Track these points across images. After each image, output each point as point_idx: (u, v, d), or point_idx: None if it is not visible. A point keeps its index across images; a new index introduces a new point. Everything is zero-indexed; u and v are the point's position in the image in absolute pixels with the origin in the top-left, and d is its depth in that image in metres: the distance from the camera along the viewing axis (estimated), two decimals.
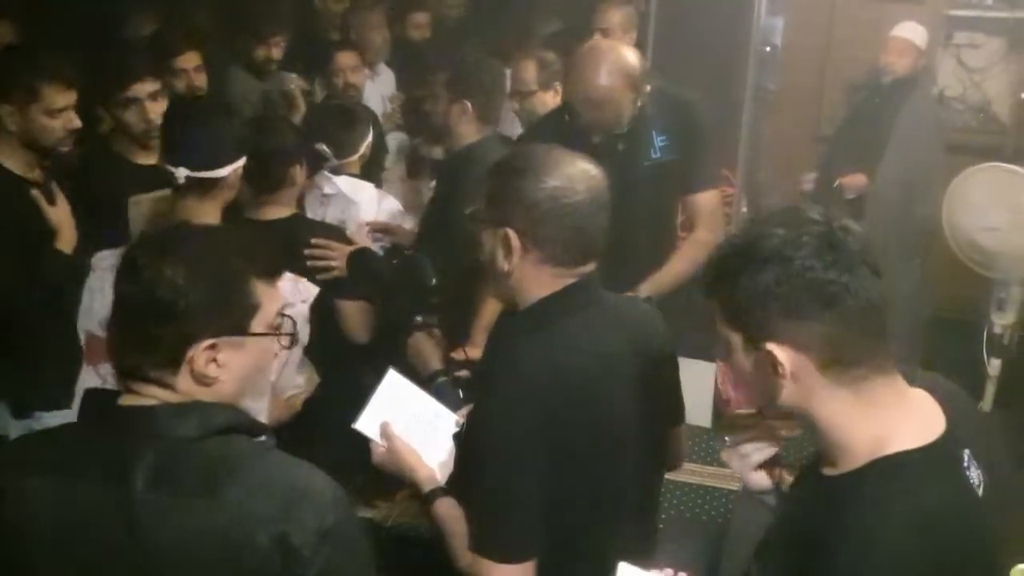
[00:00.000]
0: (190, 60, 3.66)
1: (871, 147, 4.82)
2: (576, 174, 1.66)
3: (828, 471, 1.32)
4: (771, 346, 1.25)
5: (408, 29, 5.03)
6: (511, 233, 1.65)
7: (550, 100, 3.55)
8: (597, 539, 1.73)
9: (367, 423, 1.85)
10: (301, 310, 2.32)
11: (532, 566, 1.61)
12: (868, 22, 5.09)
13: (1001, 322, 3.87)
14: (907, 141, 4.71)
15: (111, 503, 1.26)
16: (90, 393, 1.48)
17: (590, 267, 1.71)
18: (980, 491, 1.30)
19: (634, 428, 1.75)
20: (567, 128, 2.79)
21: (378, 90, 4.52)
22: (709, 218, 3.09)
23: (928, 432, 1.28)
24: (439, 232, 2.97)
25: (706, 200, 3.09)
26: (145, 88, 2.86)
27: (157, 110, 2.87)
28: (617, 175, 2.88)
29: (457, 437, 1.88)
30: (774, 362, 1.26)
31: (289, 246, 2.57)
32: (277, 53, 4.26)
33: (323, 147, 3.04)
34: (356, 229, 2.94)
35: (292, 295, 2.31)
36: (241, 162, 2.35)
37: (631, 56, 2.79)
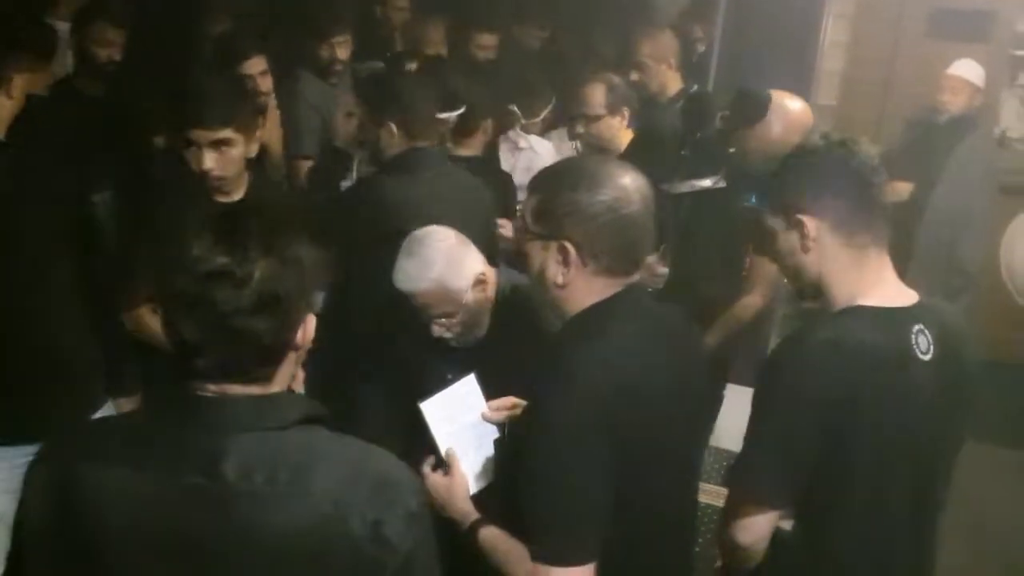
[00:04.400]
0: (256, 66, 3.60)
1: (921, 185, 4.72)
2: (629, 184, 1.65)
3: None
4: (803, 217, 1.70)
5: (473, 49, 4.79)
6: (568, 246, 1.64)
7: (617, 125, 3.49)
8: (645, 546, 1.70)
9: (432, 409, 1.90)
10: None
11: (594, 568, 1.58)
12: (930, 59, 5.02)
13: None
14: (959, 181, 4.59)
15: (202, 495, 1.22)
16: (158, 386, 1.44)
17: (636, 276, 1.71)
18: (928, 356, 1.69)
19: (681, 437, 1.74)
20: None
21: None
22: (766, 285, 3.07)
23: (888, 302, 1.71)
24: None
25: (771, 267, 3.07)
26: (208, 135, 2.45)
27: (215, 161, 2.44)
28: (719, 207, 2.95)
29: (498, 443, 1.90)
30: (803, 231, 1.71)
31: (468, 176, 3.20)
32: (342, 53, 4.13)
33: (514, 108, 3.94)
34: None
35: None
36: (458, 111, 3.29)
37: (804, 112, 2.95)
